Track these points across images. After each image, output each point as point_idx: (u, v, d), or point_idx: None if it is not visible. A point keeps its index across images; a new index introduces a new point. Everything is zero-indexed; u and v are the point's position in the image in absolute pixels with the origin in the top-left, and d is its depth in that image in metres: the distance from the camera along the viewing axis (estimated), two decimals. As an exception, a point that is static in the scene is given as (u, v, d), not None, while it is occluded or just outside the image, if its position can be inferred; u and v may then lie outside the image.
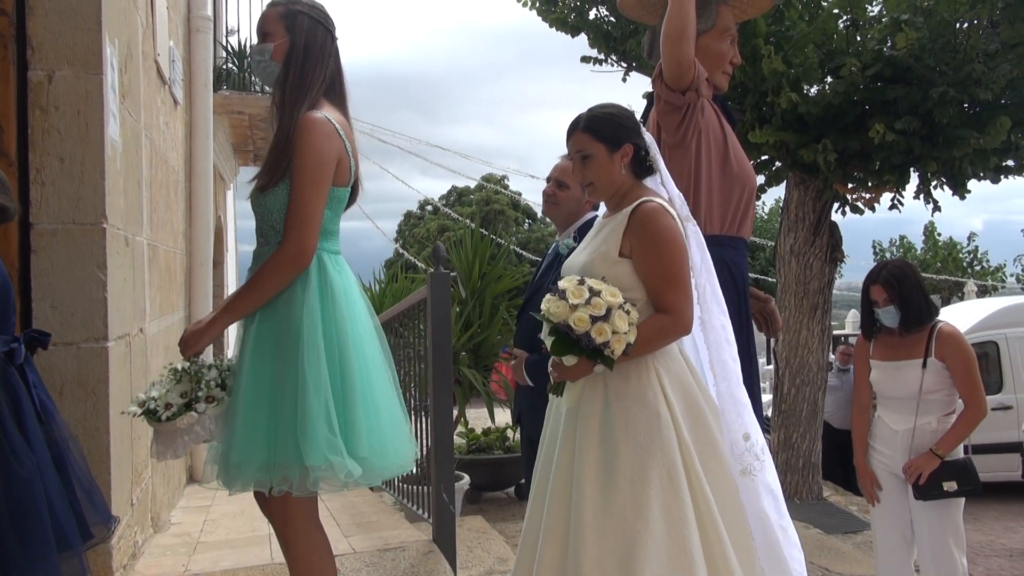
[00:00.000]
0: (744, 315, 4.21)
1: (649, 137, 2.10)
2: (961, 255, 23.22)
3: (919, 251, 23.78)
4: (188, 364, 1.99)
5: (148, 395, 1.96)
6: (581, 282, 1.85)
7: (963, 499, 3.13)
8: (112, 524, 2.01)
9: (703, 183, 4.13)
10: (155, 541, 3.40)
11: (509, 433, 6.45)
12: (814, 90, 6.00)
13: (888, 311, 3.14)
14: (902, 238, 25.03)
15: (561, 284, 1.87)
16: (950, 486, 3.05)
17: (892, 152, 5.62)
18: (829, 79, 5.90)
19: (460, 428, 6.10)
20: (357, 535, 3.24)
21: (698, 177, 4.12)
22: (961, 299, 17.88)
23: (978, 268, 23.30)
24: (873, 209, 6.53)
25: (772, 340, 7.18)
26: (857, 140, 5.77)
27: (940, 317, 3.27)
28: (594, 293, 1.81)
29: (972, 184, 6.05)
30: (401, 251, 17.20)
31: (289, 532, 1.97)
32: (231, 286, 11.57)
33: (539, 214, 26.48)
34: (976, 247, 23.38)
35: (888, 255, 24.50)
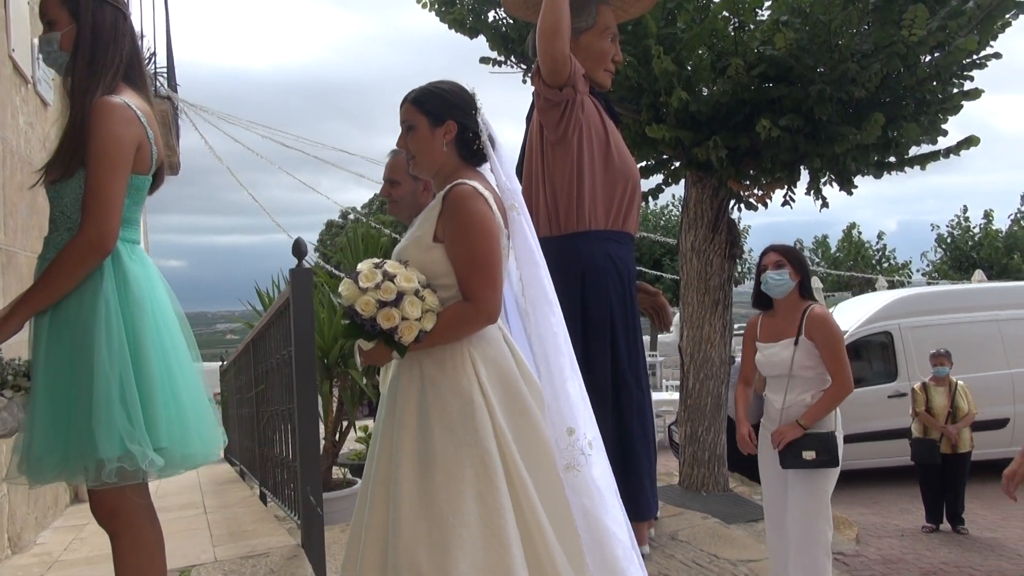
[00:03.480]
0: (630, 309, 4.27)
1: (485, 122, 2.05)
2: (870, 252, 24.28)
3: (833, 250, 24.77)
4: None
5: None
6: (378, 265, 1.82)
7: (833, 473, 3.33)
8: None
9: (586, 178, 4.18)
10: (11, 562, 3.22)
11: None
12: (708, 90, 6.14)
13: (776, 276, 3.32)
14: (824, 237, 26.05)
15: (360, 266, 1.83)
16: (809, 455, 3.28)
17: (779, 149, 5.79)
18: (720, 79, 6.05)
19: (360, 433, 5.98)
20: (226, 544, 3.13)
21: (580, 172, 4.17)
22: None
23: (886, 265, 24.40)
24: (766, 205, 6.70)
25: (668, 333, 7.30)
26: (747, 138, 5.93)
27: (819, 301, 3.52)
28: (388, 277, 1.78)
29: (887, 186, 6.44)
30: (319, 260, 16.97)
31: (115, 526, 1.91)
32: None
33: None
34: (884, 245, 24.51)
35: (807, 252, 25.44)
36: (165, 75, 8.18)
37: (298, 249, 2.88)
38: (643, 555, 3.90)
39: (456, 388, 1.82)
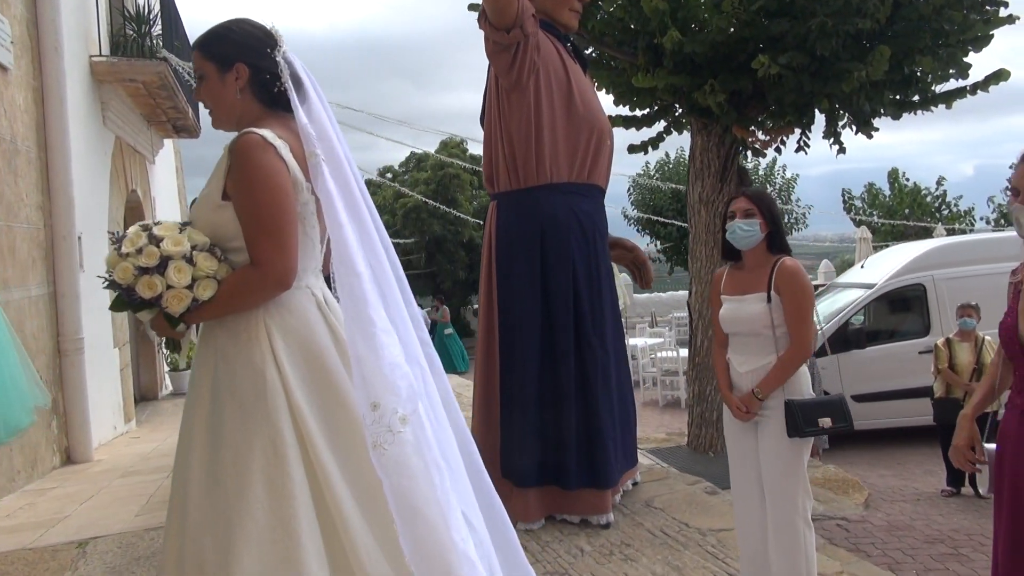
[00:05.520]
0: (594, 266, 3.98)
1: (289, 61, 1.79)
2: (927, 200, 22.91)
3: (887, 197, 23.48)
4: None
5: None
6: (146, 227, 1.64)
7: (806, 442, 3.01)
8: None
9: (545, 127, 3.87)
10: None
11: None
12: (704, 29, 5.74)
13: (745, 226, 2.94)
14: (870, 185, 24.57)
15: (129, 229, 1.65)
16: (825, 422, 2.96)
17: (784, 90, 5.38)
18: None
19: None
20: (152, 512, 3.08)
21: (539, 120, 3.86)
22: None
23: (946, 213, 23.03)
24: (779, 152, 6.29)
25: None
26: (749, 81, 5.52)
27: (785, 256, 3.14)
28: (153, 241, 1.60)
29: (964, 129, 5.94)
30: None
31: None
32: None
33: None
34: (944, 191, 23.06)
35: (858, 203, 24.21)
36: (162, 38, 8.10)
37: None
38: (604, 524, 3.74)
39: (248, 362, 1.64)
